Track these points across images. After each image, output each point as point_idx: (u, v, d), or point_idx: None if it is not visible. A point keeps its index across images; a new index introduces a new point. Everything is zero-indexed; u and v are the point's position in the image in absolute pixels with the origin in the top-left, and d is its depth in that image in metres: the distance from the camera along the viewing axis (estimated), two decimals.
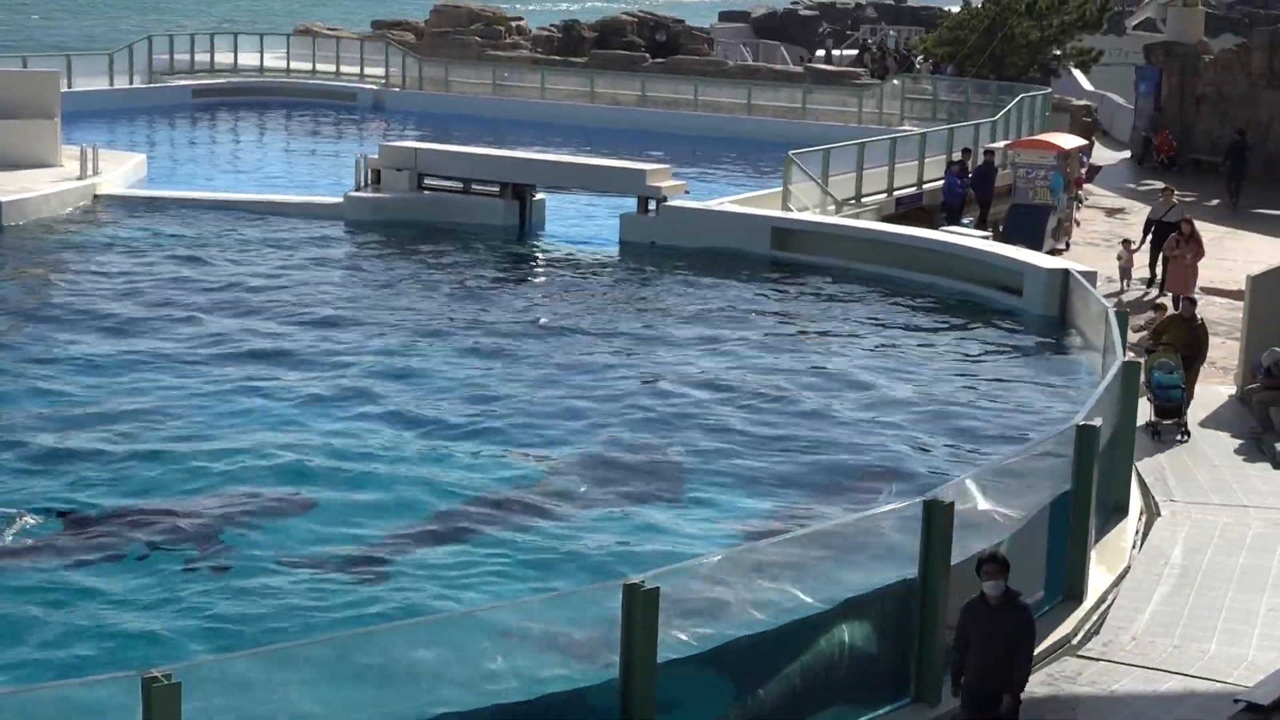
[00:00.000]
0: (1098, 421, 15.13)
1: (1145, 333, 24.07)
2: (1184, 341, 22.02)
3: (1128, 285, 31.23)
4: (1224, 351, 25.16)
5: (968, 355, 25.22)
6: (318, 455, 19.14)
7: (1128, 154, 53.55)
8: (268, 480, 18.29)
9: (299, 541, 16.56)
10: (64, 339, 24.08)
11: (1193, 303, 23.21)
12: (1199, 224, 39.13)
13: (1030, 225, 34.11)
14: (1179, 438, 20.99)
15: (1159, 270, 30.67)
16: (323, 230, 33.16)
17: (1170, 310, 24.61)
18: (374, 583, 15.57)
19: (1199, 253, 28.92)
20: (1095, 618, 14.85)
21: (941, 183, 37.49)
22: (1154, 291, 30.31)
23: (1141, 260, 31.50)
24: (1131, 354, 21.36)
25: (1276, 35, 48.48)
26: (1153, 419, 21.18)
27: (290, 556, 16.10)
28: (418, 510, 17.61)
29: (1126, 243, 31.78)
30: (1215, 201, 43.89)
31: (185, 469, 18.52)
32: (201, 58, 59.18)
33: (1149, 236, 31.79)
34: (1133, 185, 46.83)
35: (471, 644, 10.55)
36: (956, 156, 37.73)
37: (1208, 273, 31.95)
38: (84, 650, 13.88)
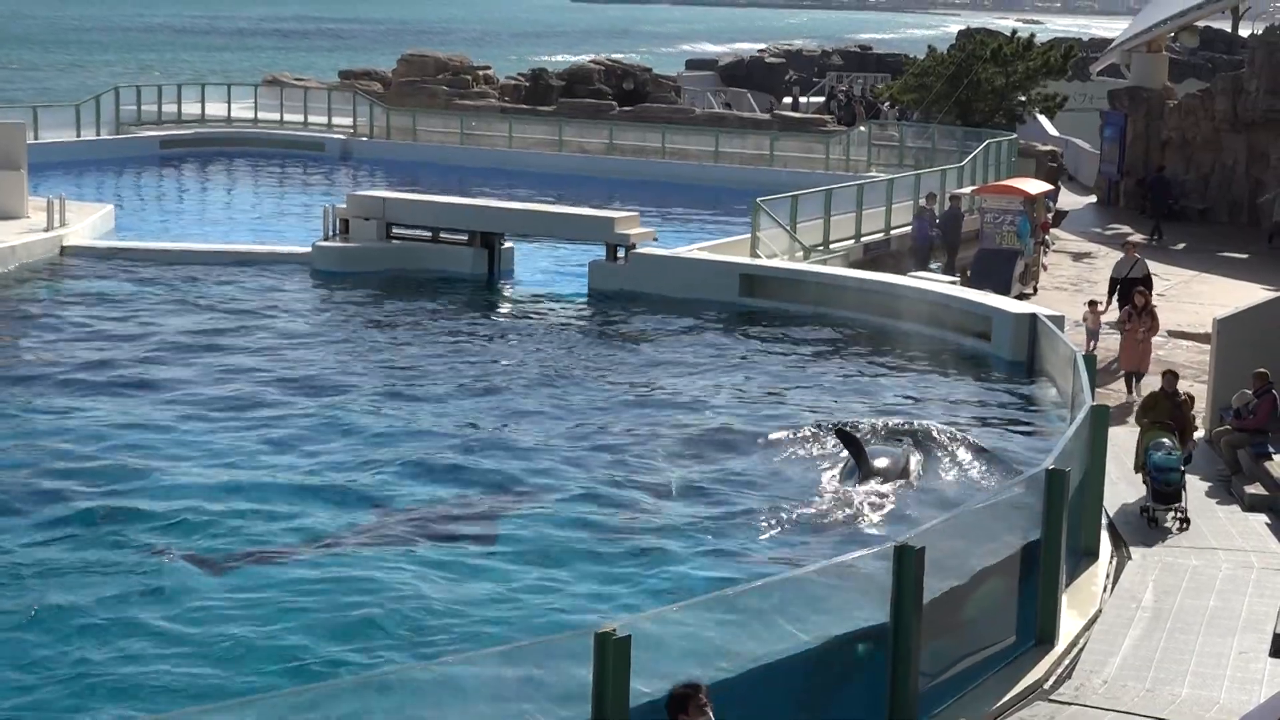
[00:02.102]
0: (1067, 465, 15.17)
1: (1129, 404, 24.15)
2: (1167, 413, 20.85)
3: (1095, 347, 30.54)
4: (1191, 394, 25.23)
5: (935, 400, 25.25)
6: (282, 505, 19.10)
7: (1093, 198, 53.85)
8: (242, 527, 18.24)
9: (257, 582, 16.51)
10: (30, 391, 23.96)
11: (1175, 377, 21.62)
12: (1166, 268, 39.55)
13: (997, 270, 34.24)
14: (1178, 527, 19.23)
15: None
16: (291, 280, 33.11)
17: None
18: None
19: (1154, 327, 27.38)
20: (1067, 662, 14.84)
21: (910, 228, 37.72)
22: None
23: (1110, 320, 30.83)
24: (1131, 423, 21.55)
25: (1239, 80, 48.86)
26: (1149, 504, 19.46)
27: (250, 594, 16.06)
28: (362, 561, 17.57)
29: (1093, 304, 30.20)
30: (1181, 245, 44.14)
31: (151, 521, 18.44)
32: (169, 108, 59.07)
33: (1114, 296, 30.74)
34: (1099, 229, 47.07)
35: (436, 699, 10.48)
36: (924, 203, 37.86)
37: (1175, 316, 32.13)
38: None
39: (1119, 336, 27.98)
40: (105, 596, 16.21)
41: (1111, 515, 19.26)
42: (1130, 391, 26.42)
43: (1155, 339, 28.03)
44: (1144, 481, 19.83)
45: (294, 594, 16.50)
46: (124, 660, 14.89)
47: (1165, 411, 20.89)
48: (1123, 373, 27.22)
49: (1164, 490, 19.36)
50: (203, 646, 15.14)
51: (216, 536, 18.04)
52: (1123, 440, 22.06)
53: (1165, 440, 19.98)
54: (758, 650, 11.83)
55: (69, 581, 16.60)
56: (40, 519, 18.44)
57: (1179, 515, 19.31)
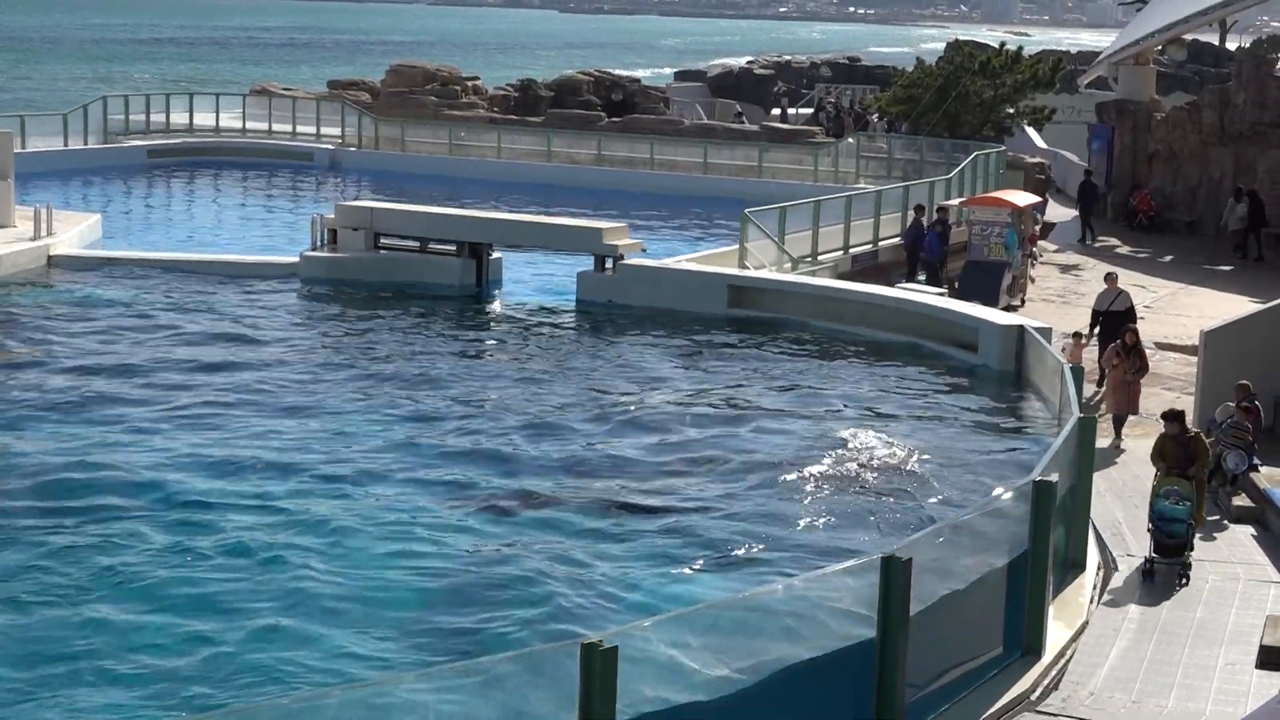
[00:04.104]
0: (1054, 477, 15.17)
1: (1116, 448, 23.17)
2: (1176, 459, 18.79)
3: None
4: (1179, 407, 25.23)
5: (923, 411, 25.26)
6: (269, 517, 19.09)
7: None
8: (229, 538, 18.23)
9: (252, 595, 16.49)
10: (14, 400, 23.92)
11: (1179, 416, 19.40)
12: (1152, 280, 39.63)
13: (986, 282, 34.28)
14: (1180, 582, 17.66)
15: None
16: (279, 290, 33.08)
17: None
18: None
19: (1143, 367, 24.83)
20: (1054, 673, 14.84)
21: (898, 239, 37.79)
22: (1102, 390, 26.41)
23: (1092, 355, 28.11)
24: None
25: (1226, 93, 48.97)
26: (1150, 555, 17.94)
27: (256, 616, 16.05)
28: (364, 572, 17.56)
29: (1077, 335, 28.17)
30: (1169, 258, 44.22)
31: (140, 527, 18.42)
32: (156, 118, 59.06)
33: (1097, 329, 28.53)
34: (1086, 242, 47.12)
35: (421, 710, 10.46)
36: (932, 215, 37.81)
37: (1162, 328, 32.16)
38: None
39: (1098, 374, 26.30)
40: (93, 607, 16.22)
41: (1098, 526, 19.26)
42: (1118, 435, 24.19)
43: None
44: (1148, 531, 18.26)
45: (275, 602, 16.50)
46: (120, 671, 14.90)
47: (1174, 456, 18.85)
48: (1109, 415, 24.61)
49: (1167, 543, 17.87)
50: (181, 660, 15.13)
51: (203, 543, 18.03)
52: (1110, 457, 22.08)
53: (1176, 488, 18.16)
54: (744, 662, 11.81)
55: (44, 596, 16.59)
56: (29, 528, 18.40)
57: (1181, 571, 17.80)
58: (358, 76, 73.51)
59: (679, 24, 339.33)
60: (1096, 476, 19.19)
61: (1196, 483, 18.58)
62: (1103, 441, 23.39)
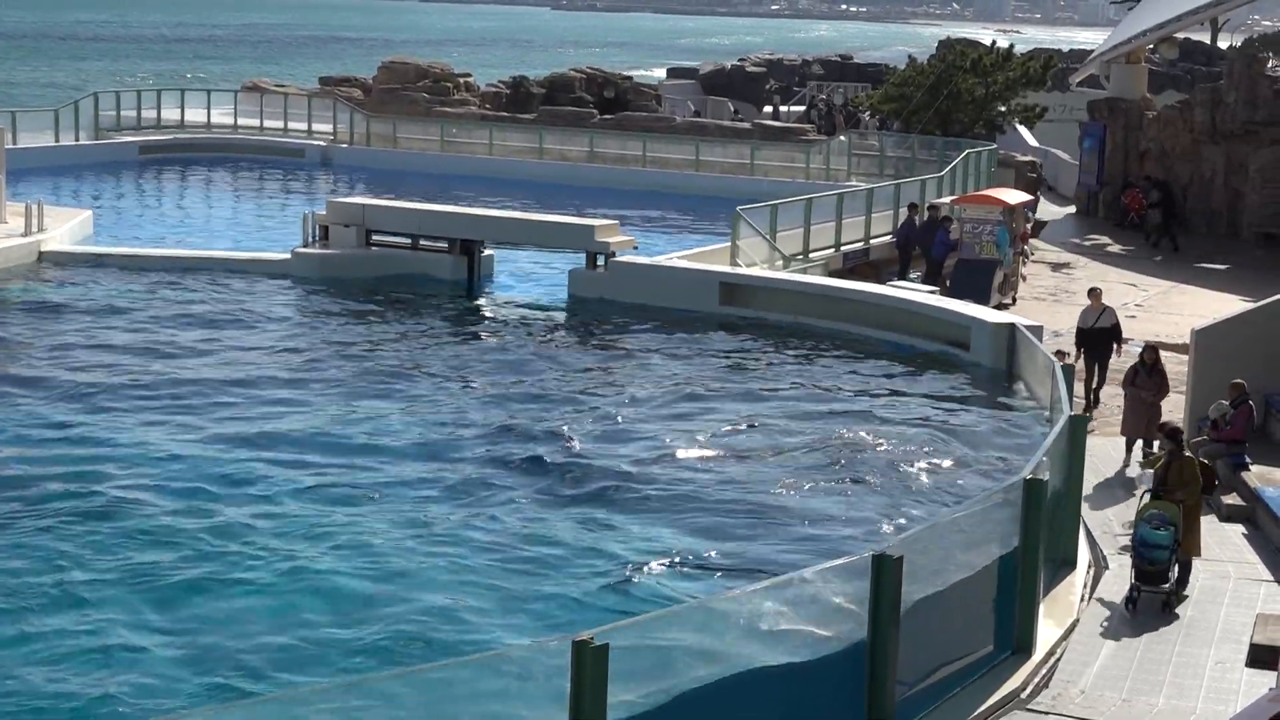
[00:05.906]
0: (1045, 475, 15.18)
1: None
2: (1162, 480, 17.62)
3: None
4: (1169, 405, 25.28)
5: (915, 409, 25.26)
6: (256, 511, 19.08)
7: (1073, 209, 53.95)
8: (200, 532, 18.22)
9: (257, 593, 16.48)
10: (3, 395, 23.89)
11: (1175, 434, 18.28)
12: (1144, 278, 39.64)
13: (977, 280, 34.27)
14: (1163, 613, 16.71)
15: (1095, 382, 26.25)
16: (270, 286, 33.05)
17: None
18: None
19: (1163, 388, 22.93)
20: (1044, 671, 14.85)
21: (890, 237, 37.77)
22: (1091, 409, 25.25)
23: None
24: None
25: (1218, 92, 49.00)
26: (1133, 583, 16.89)
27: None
28: (350, 565, 17.56)
29: (1060, 354, 25.27)
30: (1160, 256, 44.25)
31: (130, 534, 18.40)
32: (148, 114, 59.05)
33: (1081, 348, 26.72)
34: (1078, 240, 47.17)
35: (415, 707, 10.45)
36: (921, 214, 37.78)
37: (1153, 327, 32.19)
38: None
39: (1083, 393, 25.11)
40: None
41: (1089, 525, 19.28)
42: (1129, 458, 22.74)
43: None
44: (1130, 558, 17.27)
45: (255, 601, 16.50)
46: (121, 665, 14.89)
47: (1157, 478, 17.79)
48: (1124, 438, 23.09)
49: (1148, 569, 16.80)
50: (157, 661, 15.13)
51: (190, 535, 18.03)
52: (1103, 456, 22.04)
53: (1160, 512, 17.09)
54: (734, 660, 11.81)
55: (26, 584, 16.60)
56: (19, 524, 18.39)
57: (1165, 601, 16.82)
58: (349, 73, 73.43)
59: (674, 22, 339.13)
60: (1087, 475, 19.19)
61: (1186, 509, 17.39)
62: (1106, 444, 23.19)
